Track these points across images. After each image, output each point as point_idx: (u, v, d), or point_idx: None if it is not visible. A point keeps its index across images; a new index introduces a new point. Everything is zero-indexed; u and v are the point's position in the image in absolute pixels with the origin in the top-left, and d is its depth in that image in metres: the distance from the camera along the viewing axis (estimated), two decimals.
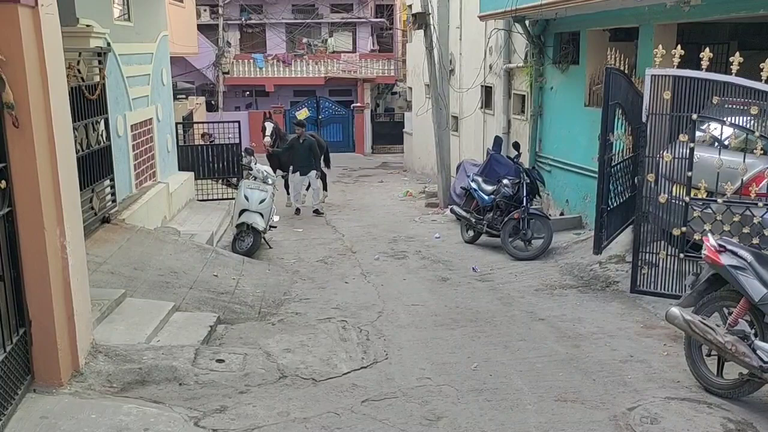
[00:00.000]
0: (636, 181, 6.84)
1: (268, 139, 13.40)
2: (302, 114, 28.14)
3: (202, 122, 17.30)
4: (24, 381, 4.07)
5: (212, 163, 13.59)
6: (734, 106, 6.03)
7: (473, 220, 10.02)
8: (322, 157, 13.68)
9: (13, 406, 3.85)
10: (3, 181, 3.81)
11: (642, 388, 4.91)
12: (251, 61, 28.03)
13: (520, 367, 5.34)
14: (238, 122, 13.98)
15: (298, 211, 13.10)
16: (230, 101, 28.35)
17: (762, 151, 5.82)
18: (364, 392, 4.84)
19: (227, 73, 27.06)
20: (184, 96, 19.20)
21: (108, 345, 5.00)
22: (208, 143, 14.40)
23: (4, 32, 3.74)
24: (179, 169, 12.33)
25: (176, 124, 12.87)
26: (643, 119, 6.50)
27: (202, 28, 24.61)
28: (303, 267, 8.97)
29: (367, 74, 28.61)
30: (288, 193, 13.49)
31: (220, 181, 13.81)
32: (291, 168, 13.03)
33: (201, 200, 12.76)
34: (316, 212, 13.04)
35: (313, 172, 12.97)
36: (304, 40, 29.14)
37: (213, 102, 26.52)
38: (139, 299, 6.24)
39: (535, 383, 5.03)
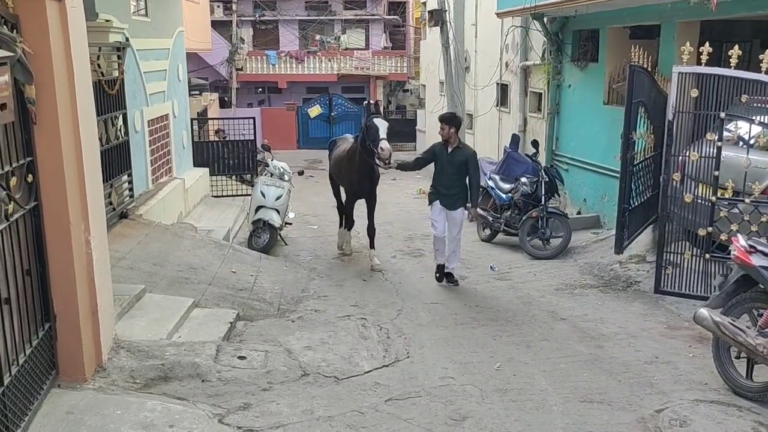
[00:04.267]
0: (661, 179, 6.74)
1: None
2: (314, 111, 28.18)
3: (217, 118, 17.32)
4: (49, 376, 4.05)
5: (226, 159, 13.60)
6: (762, 105, 5.94)
7: (490, 219, 9.96)
8: None
9: (39, 401, 3.83)
10: (30, 175, 3.79)
11: (669, 390, 4.84)
12: (264, 57, 28.04)
13: (544, 368, 5.28)
14: (253, 119, 13.99)
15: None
16: (243, 98, 28.36)
17: None
18: (387, 391, 4.80)
19: (240, 69, 27.07)
20: (198, 92, 19.22)
21: (130, 341, 4.97)
22: (221, 140, 14.40)
23: (32, 26, 3.71)
24: (194, 165, 12.34)
25: (191, 120, 12.88)
26: (669, 117, 6.42)
27: (215, 25, 24.60)
28: (320, 264, 8.94)
29: (380, 71, 28.58)
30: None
31: (234, 177, 13.82)
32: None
33: (215, 196, 12.76)
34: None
35: None
36: (317, 37, 29.09)
37: (226, 98, 26.53)
38: (158, 295, 6.22)
39: (560, 384, 4.97)
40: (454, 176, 7.42)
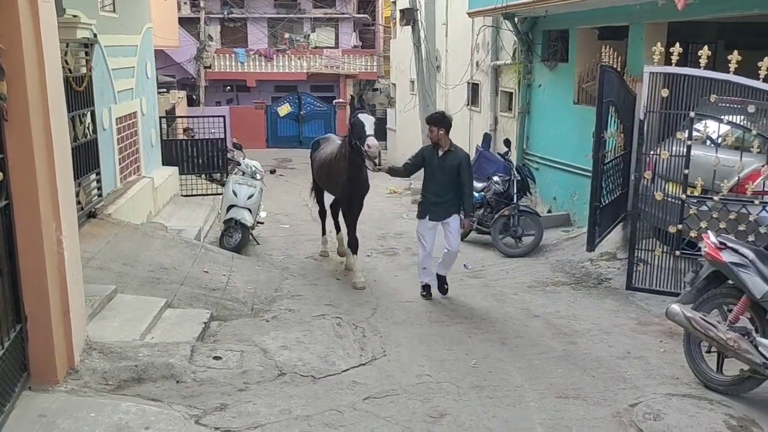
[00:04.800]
0: (633, 177, 6.85)
1: None
2: (283, 110, 28.02)
3: (186, 116, 17.06)
4: (20, 378, 3.95)
5: (196, 158, 13.44)
6: (730, 105, 6.07)
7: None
8: None
9: (11, 404, 3.74)
10: (0, 173, 3.69)
11: (642, 385, 4.92)
12: (233, 55, 27.79)
13: (519, 364, 5.32)
14: (223, 117, 13.84)
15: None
16: (211, 96, 28.07)
17: (758, 149, 5.87)
18: (365, 389, 4.79)
19: (209, 67, 26.79)
20: (165, 90, 18.95)
21: (102, 342, 4.88)
22: (190, 138, 14.22)
23: (4, 21, 3.61)
24: (163, 164, 12.17)
25: (160, 118, 12.70)
26: (641, 117, 6.53)
27: (182, 22, 24.29)
28: (292, 263, 8.88)
29: (350, 70, 28.54)
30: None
31: (204, 176, 13.66)
32: None
33: (185, 195, 12.60)
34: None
35: None
36: (286, 35, 28.93)
37: (194, 96, 26.23)
38: (130, 295, 6.11)
39: (535, 380, 5.01)
40: (446, 182, 6.75)
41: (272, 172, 11.19)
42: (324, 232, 9.19)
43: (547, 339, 5.89)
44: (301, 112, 27.90)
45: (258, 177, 9.91)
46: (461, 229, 7.03)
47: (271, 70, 28.31)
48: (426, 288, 7.15)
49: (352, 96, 9.53)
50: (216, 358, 5.06)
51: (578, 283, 7.60)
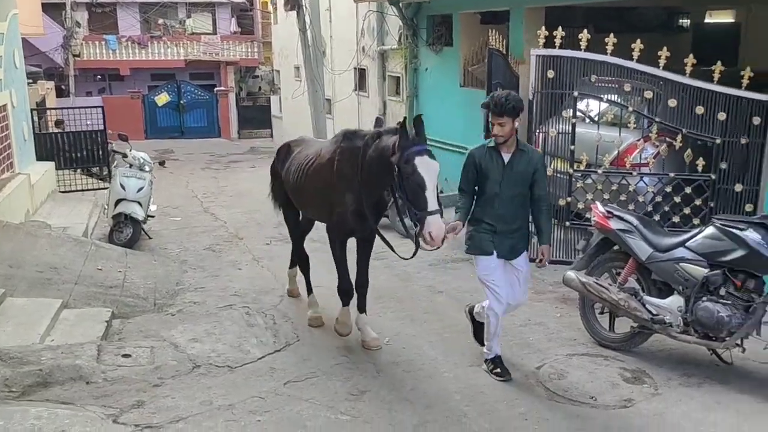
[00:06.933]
0: None
1: None
2: (162, 99, 26.94)
3: (61, 108, 15.97)
4: None
5: (73, 152, 12.69)
6: (608, 84, 6.55)
7: None
8: None
9: None
10: None
11: (544, 348, 5.27)
12: (103, 43, 26.28)
13: (430, 338, 5.53)
14: (102, 107, 13.15)
15: None
16: (81, 86, 26.44)
17: (634, 125, 6.38)
18: (284, 374, 4.82)
19: (78, 55, 25.21)
20: (32, 81, 17.68)
21: None
22: (62, 131, 13.40)
23: None
24: (37, 159, 11.40)
25: (31, 110, 11.88)
26: (529, 97, 6.89)
27: (46, 8, 22.64)
28: (190, 256, 8.64)
29: (230, 57, 27.81)
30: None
31: (80, 170, 12.93)
32: None
33: (64, 192, 11.89)
34: None
35: None
36: (160, 20, 27.72)
37: (63, 87, 24.63)
38: (20, 299, 5.78)
39: (448, 352, 5.23)
40: (516, 200, 4.61)
41: (161, 163, 10.82)
42: (310, 290, 6.17)
43: (453, 313, 6.12)
44: (181, 101, 26.92)
45: (147, 169, 9.53)
46: (542, 262, 4.75)
47: (145, 57, 27.05)
48: (497, 361, 4.80)
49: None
50: (125, 355, 4.91)
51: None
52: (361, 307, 5.40)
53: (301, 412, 4.24)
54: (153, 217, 9.97)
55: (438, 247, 4.56)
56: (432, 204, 4.38)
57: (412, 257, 5.10)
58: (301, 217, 6.34)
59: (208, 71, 28.48)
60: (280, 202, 6.43)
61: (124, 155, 9.49)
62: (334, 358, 5.13)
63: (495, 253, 4.62)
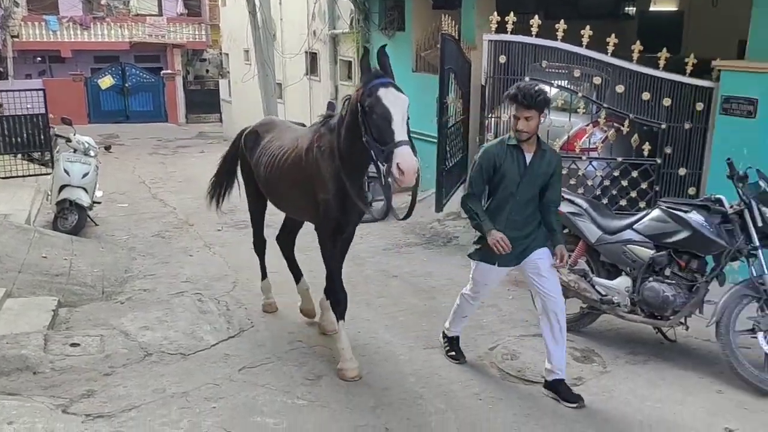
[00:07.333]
0: (477, 140, 7.29)
1: None
2: (105, 82, 26.16)
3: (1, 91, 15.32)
4: None
5: (12, 137, 12.23)
6: (559, 70, 6.65)
7: None
8: None
9: None
10: None
11: (498, 330, 5.36)
12: (43, 23, 25.26)
13: (385, 322, 5.56)
14: (43, 90, 12.69)
15: None
16: (21, 68, 25.37)
17: (583, 110, 6.50)
18: (238, 361, 4.78)
19: (16, 36, 24.20)
20: None
21: None
22: (1, 115, 12.89)
23: None
24: None
25: None
26: (482, 82, 6.94)
27: None
28: (139, 243, 8.46)
29: (177, 39, 27.12)
30: None
31: (22, 156, 12.47)
32: None
33: (3, 178, 11.46)
34: None
35: None
36: (104, 1, 26.81)
37: (1, 69, 23.63)
38: None
39: (402, 335, 5.28)
40: (530, 204, 4.24)
41: (107, 148, 10.51)
42: (265, 274, 5.93)
43: (408, 297, 6.18)
44: (126, 84, 26.19)
45: (92, 154, 9.26)
46: (561, 263, 4.25)
47: (88, 39, 26.12)
48: (453, 342, 4.85)
49: (365, 48, 5.11)
50: (74, 345, 4.80)
51: (429, 242, 7.99)
52: (338, 314, 4.76)
53: (257, 397, 4.21)
54: (99, 203, 9.72)
55: (413, 185, 3.96)
56: (400, 134, 3.84)
57: (405, 217, 4.61)
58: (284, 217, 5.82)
59: (154, 54, 27.73)
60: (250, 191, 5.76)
61: (68, 140, 9.20)
62: (290, 344, 5.11)
63: (497, 262, 4.28)
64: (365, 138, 4.01)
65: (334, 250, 4.75)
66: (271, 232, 6.01)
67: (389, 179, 3.98)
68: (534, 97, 3.97)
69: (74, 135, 9.30)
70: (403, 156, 3.79)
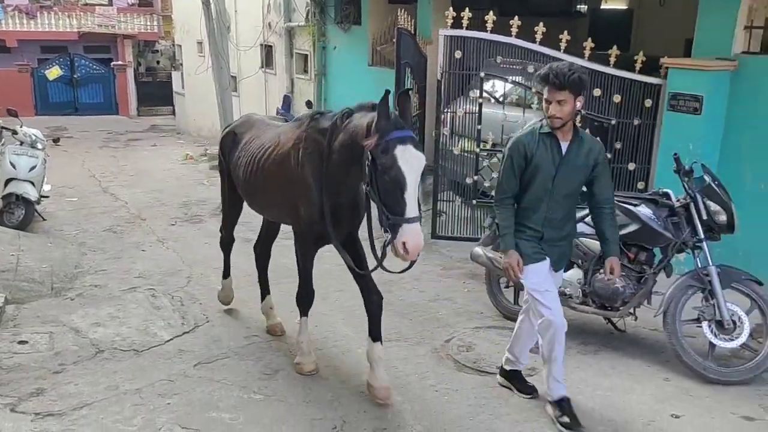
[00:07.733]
0: (433, 134, 7.34)
1: None
2: (53, 73, 25.41)
3: None
4: None
5: None
6: (513, 66, 6.75)
7: None
8: None
9: None
10: None
11: (453, 322, 5.43)
12: None
13: (342, 316, 5.58)
14: None
15: None
16: None
17: (537, 106, 6.61)
18: (193, 356, 4.73)
19: None
20: None
21: None
22: None
23: None
24: None
25: None
26: (438, 77, 6.99)
27: None
28: (89, 238, 8.27)
29: (127, 30, 26.50)
30: None
31: None
32: None
33: None
34: None
35: None
36: None
37: None
38: None
39: (360, 329, 5.24)
40: (568, 200, 3.85)
41: (56, 141, 10.23)
42: (227, 273, 5.76)
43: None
44: (75, 75, 25.47)
45: (39, 147, 8.99)
46: (612, 278, 4.06)
47: (34, 28, 25.31)
48: (517, 375, 4.34)
49: (386, 91, 3.73)
50: (21, 342, 4.69)
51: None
52: (375, 336, 4.36)
53: (213, 393, 4.18)
54: (47, 197, 9.47)
55: (413, 262, 3.63)
56: (411, 209, 3.45)
57: (373, 270, 4.30)
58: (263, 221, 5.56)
59: (104, 44, 27.04)
60: (226, 196, 5.46)
61: (14, 132, 8.91)
62: (246, 339, 5.08)
63: (549, 258, 3.82)
64: (367, 189, 3.66)
65: (314, 253, 4.63)
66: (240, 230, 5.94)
67: (386, 249, 3.71)
68: (567, 75, 3.50)
69: (21, 127, 9.02)
70: (413, 235, 3.45)
